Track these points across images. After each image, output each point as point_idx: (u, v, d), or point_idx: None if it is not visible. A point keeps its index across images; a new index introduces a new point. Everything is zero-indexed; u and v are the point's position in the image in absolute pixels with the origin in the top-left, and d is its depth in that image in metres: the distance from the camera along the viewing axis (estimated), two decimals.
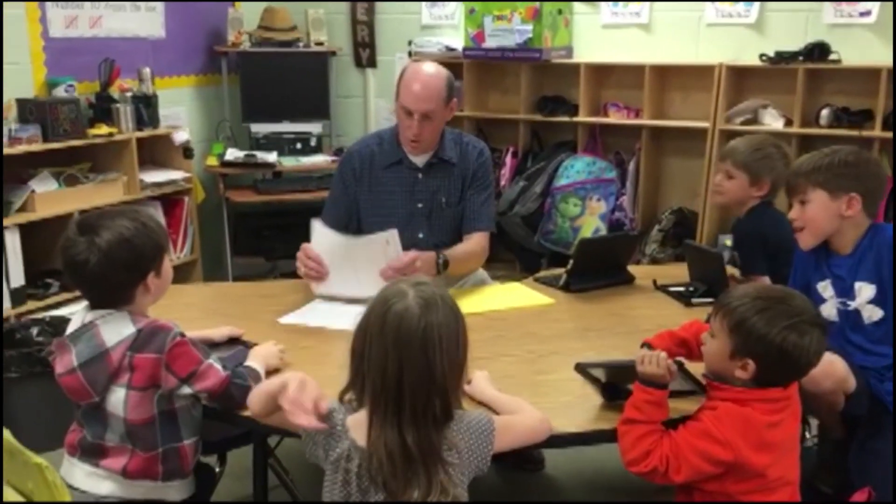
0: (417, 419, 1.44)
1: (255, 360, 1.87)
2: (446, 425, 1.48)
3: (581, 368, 1.86)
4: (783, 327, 1.58)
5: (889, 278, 2.00)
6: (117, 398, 1.68)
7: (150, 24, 4.16)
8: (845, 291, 2.07)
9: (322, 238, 2.45)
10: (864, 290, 2.04)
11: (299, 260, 2.44)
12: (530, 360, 2.06)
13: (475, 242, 2.68)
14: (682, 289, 2.51)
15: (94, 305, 1.74)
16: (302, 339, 2.17)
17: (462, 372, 1.52)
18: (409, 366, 1.43)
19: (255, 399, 1.65)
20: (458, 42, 4.25)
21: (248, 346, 2.04)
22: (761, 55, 3.58)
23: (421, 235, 2.65)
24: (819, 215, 2.07)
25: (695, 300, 2.41)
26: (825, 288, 2.11)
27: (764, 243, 2.43)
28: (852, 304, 2.06)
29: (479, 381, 1.75)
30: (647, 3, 3.95)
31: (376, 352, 1.46)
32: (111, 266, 1.66)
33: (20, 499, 1.62)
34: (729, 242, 3.64)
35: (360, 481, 1.47)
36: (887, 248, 2.02)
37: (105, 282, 1.68)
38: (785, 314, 1.59)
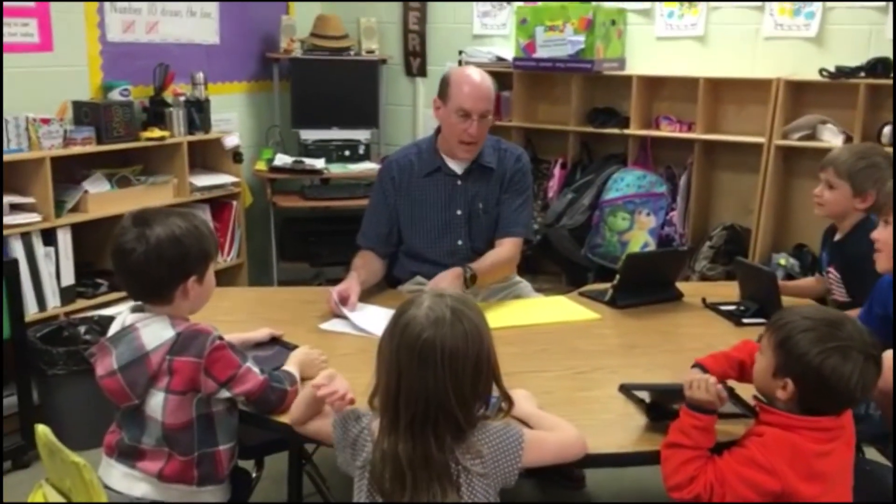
0: (414, 431, 1.43)
1: (293, 364, 1.87)
2: (460, 437, 1.45)
3: (626, 389, 1.81)
4: (824, 349, 1.50)
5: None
6: (156, 402, 1.68)
7: (204, 30, 4.22)
8: None
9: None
10: None
11: (329, 301, 2.36)
12: (572, 376, 2.01)
13: (505, 249, 2.64)
14: (732, 308, 2.43)
15: (133, 297, 1.75)
16: (342, 345, 2.16)
17: (476, 389, 1.46)
18: (406, 375, 1.42)
19: (295, 407, 1.69)
20: (508, 52, 4.23)
21: (289, 347, 2.04)
22: (821, 70, 3.48)
23: (460, 242, 2.64)
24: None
25: (746, 320, 2.33)
26: None
27: (871, 267, 2.23)
28: None
29: (519, 399, 1.69)
30: (703, 15, 3.87)
31: (384, 357, 1.47)
32: (156, 260, 1.67)
33: (59, 498, 1.64)
34: (783, 262, 3.54)
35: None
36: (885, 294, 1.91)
37: (146, 275, 1.69)
38: (831, 337, 1.51)
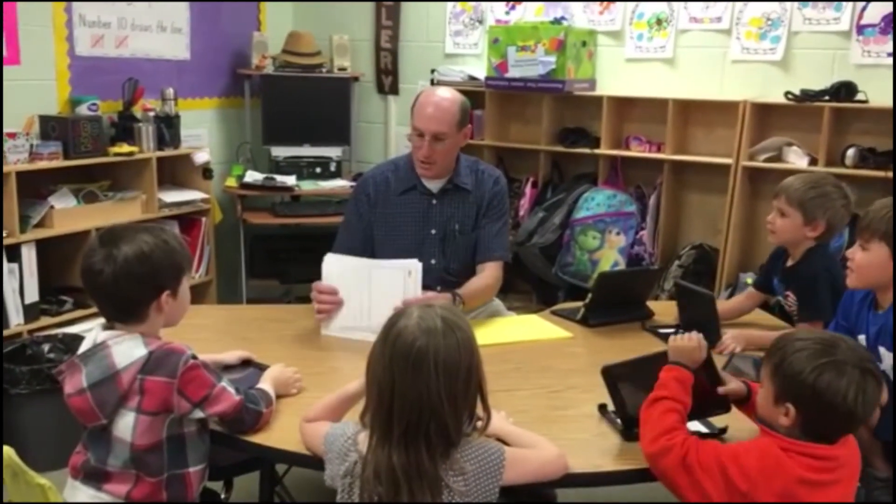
0: (407, 441, 1.42)
1: (267, 383, 1.85)
2: (447, 452, 1.45)
3: (607, 371, 1.80)
4: (817, 365, 1.49)
5: None
6: (125, 422, 1.65)
7: (175, 45, 4.19)
8: (873, 352, 1.98)
9: (336, 266, 2.39)
10: (886, 358, 1.95)
11: (313, 298, 2.39)
12: (546, 394, 2.02)
13: (488, 274, 2.64)
14: (671, 331, 2.41)
15: (107, 318, 1.72)
16: (315, 364, 2.14)
17: (466, 401, 1.48)
18: (399, 385, 1.42)
19: (317, 409, 1.70)
20: (480, 71, 4.25)
21: (262, 368, 2.02)
22: (786, 93, 3.55)
23: (433, 262, 2.63)
24: (872, 266, 1.97)
25: None
26: (863, 342, 2.02)
27: (831, 286, 2.30)
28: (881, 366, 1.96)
29: (494, 419, 1.69)
30: (672, 38, 3.94)
31: (374, 368, 1.47)
32: (125, 279, 1.64)
33: None
34: (750, 281, 3.59)
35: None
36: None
37: (117, 294, 1.66)
38: (823, 353, 1.50)
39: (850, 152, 3.43)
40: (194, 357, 1.68)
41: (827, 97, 3.48)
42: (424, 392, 1.41)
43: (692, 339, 1.73)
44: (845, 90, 3.45)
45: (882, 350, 1.97)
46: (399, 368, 1.43)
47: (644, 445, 1.61)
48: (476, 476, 1.47)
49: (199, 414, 1.67)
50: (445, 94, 2.59)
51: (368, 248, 2.65)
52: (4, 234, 3.16)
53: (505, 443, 1.62)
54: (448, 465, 1.45)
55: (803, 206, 2.35)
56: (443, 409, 1.42)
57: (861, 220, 2.04)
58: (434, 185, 2.65)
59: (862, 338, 2.04)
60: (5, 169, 3.16)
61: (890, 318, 1.98)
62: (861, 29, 3.52)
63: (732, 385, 1.77)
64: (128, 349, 1.66)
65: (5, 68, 3.39)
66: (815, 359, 1.50)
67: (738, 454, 1.52)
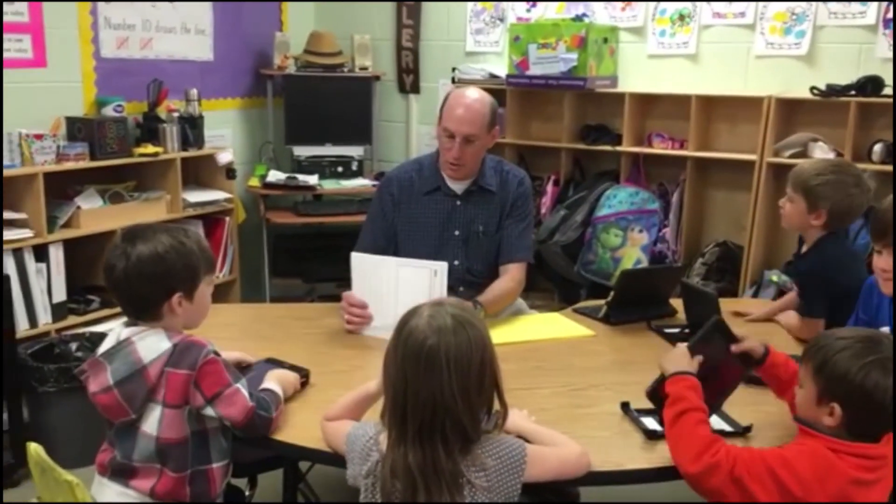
0: (423, 439, 1.43)
1: (273, 382, 1.85)
2: (466, 448, 1.45)
3: (626, 407, 1.86)
4: (864, 364, 1.47)
5: None
6: (153, 416, 1.67)
7: (198, 47, 4.23)
8: None
9: (363, 265, 2.40)
10: None
11: (342, 308, 2.40)
12: (568, 392, 2.01)
13: (510, 277, 2.63)
14: (676, 331, 2.39)
15: (127, 315, 1.75)
16: (339, 362, 2.15)
17: (481, 397, 1.48)
18: (412, 384, 1.43)
19: (336, 408, 1.71)
20: (501, 69, 4.24)
21: (275, 363, 2.02)
22: (812, 88, 3.51)
23: (456, 262, 2.62)
24: None
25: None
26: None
27: (825, 284, 2.26)
28: None
29: (515, 417, 1.68)
30: (695, 34, 3.91)
31: (391, 369, 1.48)
32: (136, 277, 1.67)
33: None
34: (775, 278, 3.55)
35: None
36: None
37: (129, 291, 1.69)
38: (868, 352, 1.48)
39: (877, 147, 3.38)
40: (216, 353, 1.69)
41: (853, 92, 3.43)
42: (437, 390, 1.42)
43: (677, 348, 1.73)
44: (872, 85, 3.41)
45: None
46: (411, 368, 1.43)
47: (685, 465, 1.54)
48: (498, 471, 1.47)
49: (209, 411, 1.67)
50: (475, 94, 2.58)
51: (392, 246, 2.66)
52: (32, 235, 3.20)
53: (527, 441, 1.62)
54: (469, 462, 1.45)
55: (807, 193, 2.28)
56: (457, 406, 1.42)
57: (876, 223, 1.99)
58: (459, 187, 2.64)
59: (885, 329, 2.00)
60: (33, 170, 3.20)
61: None
62: (888, 23, 3.47)
63: (746, 344, 1.77)
64: (153, 343, 1.68)
65: (32, 71, 3.44)
66: (861, 357, 1.48)
67: (788, 459, 1.48)
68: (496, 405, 1.53)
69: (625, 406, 1.87)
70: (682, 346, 1.73)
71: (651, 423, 1.78)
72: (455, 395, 1.42)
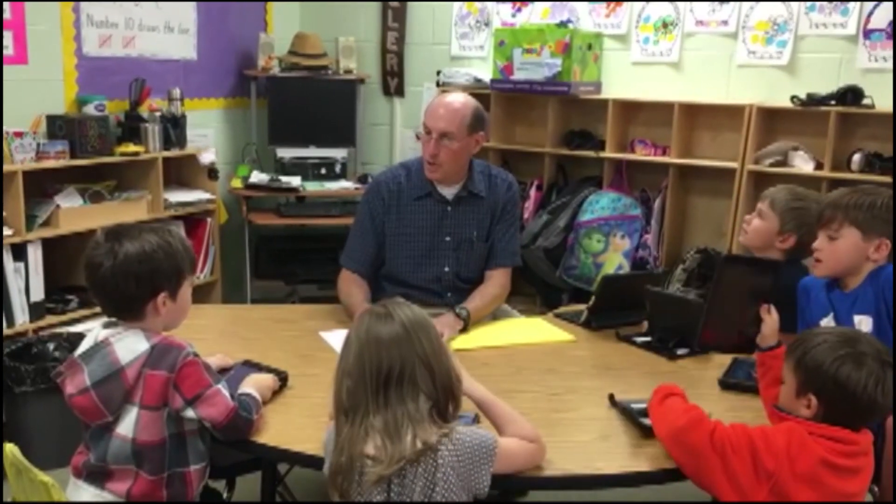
0: (388, 397, 1.49)
1: (251, 387, 1.84)
2: (432, 421, 1.49)
3: (614, 401, 1.91)
4: (837, 356, 1.55)
5: (885, 312, 1.96)
6: (129, 418, 1.66)
7: (182, 46, 4.21)
8: (847, 325, 2.01)
9: (337, 340, 2.25)
10: (864, 324, 1.99)
11: None
12: (548, 397, 2.01)
13: (495, 283, 2.64)
14: (648, 339, 2.37)
15: (106, 314, 1.73)
16: (319, 364, 2.14)
17: (438, 360, 1.53)
18: (364, 358, 1.51)
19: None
20: (486, 74, 4.25)
21: (253, 366, 2.01)
22: (793, 97, 3.55)
23: (447, 269, 2.62)
24: (846, 254, 2.01)
25: (679, 352, 2.28)
26: (828, 323, 2.06)
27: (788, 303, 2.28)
28: None
29: (473, 383, 1.71)
30: (678, 42, 3.93)
31: (342, 364, 1.56)
32: (123, 275, 1.66)
33: None
34: None
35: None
36: (888, 284, 1.97)
37: (115, 291, 1.67)
38: (843, 346, 1.57)
39: (856, 157, 3.42)
40: (195, 354, 1.68)
41: (833, 102, 3.47)
42: (387, 354, 1.49)
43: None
44: (852, 95, 3.44)
45: (857, 318, 2.00)
46: (358, 349, 1.52)
47: (669, 423, 1.64)
48: (469, 456, 1.49)
49: (190, 413, 1.66)
50: (459, 97, 2.60)
51: (383, 253, 2.64)
52: (11, 233, 3.17)
53: (482, 410, 1.67)
54: (441, 433, 1.48)
55: (783, 215, 2.36)
56: (413, 360, 1.49)
57: (824, 210, 2.04)
58: (449, 192, 2.63)
59: (827, 320, 2.06)
60: (12, 168, 3.17)
61: (862, 290, 2.01)
62: (868, 33, 3.51)
63: (771, 320, 1.89)
64: (131, 344, 1.67)
65: (13, 68, 3.40)
66: (835, 350, 1.56)
67: (767, 433, 1.57)
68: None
69: (611, 397, 1.91)
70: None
71: (639, 405, 1.81)
72: (413, 355, 1.50)
